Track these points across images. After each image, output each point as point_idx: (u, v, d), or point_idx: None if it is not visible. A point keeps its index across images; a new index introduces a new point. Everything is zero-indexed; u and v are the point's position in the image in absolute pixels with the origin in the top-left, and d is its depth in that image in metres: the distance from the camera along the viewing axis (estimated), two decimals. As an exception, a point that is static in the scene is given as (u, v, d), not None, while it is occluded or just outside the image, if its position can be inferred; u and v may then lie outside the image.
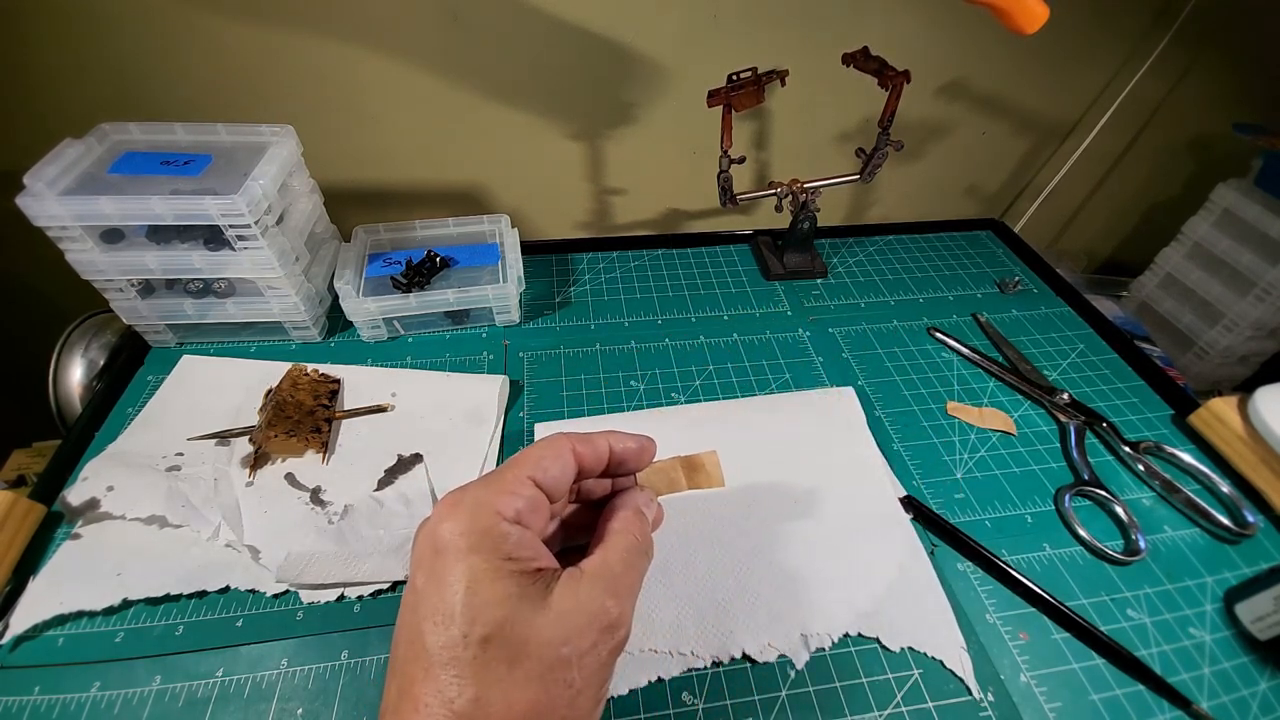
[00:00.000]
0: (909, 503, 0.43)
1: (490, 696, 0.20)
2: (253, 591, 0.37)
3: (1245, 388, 0.48)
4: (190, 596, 0.37)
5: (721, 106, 0.55)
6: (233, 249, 0.46)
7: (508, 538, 0.22)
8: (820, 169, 0.62)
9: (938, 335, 0.58)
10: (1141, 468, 0.46)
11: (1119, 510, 0.43)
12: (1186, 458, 0.46)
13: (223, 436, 0.45)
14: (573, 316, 0.59)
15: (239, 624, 0.36)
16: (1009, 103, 0.75)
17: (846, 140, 0.75)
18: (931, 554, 0.40)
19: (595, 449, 0.27)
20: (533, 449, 0.26)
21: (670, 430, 0.47)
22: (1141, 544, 0.41)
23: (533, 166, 0.71)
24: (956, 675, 0.35)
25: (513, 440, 0.47)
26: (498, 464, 0.45)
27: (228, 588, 0.37)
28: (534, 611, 0.21)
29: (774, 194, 0.61)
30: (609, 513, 0.27)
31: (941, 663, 0.35)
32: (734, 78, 0.55)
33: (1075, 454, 0.47)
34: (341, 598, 0.37)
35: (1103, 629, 0.37)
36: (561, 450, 0.26)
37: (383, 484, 0.43)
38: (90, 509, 0.40)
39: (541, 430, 0.47)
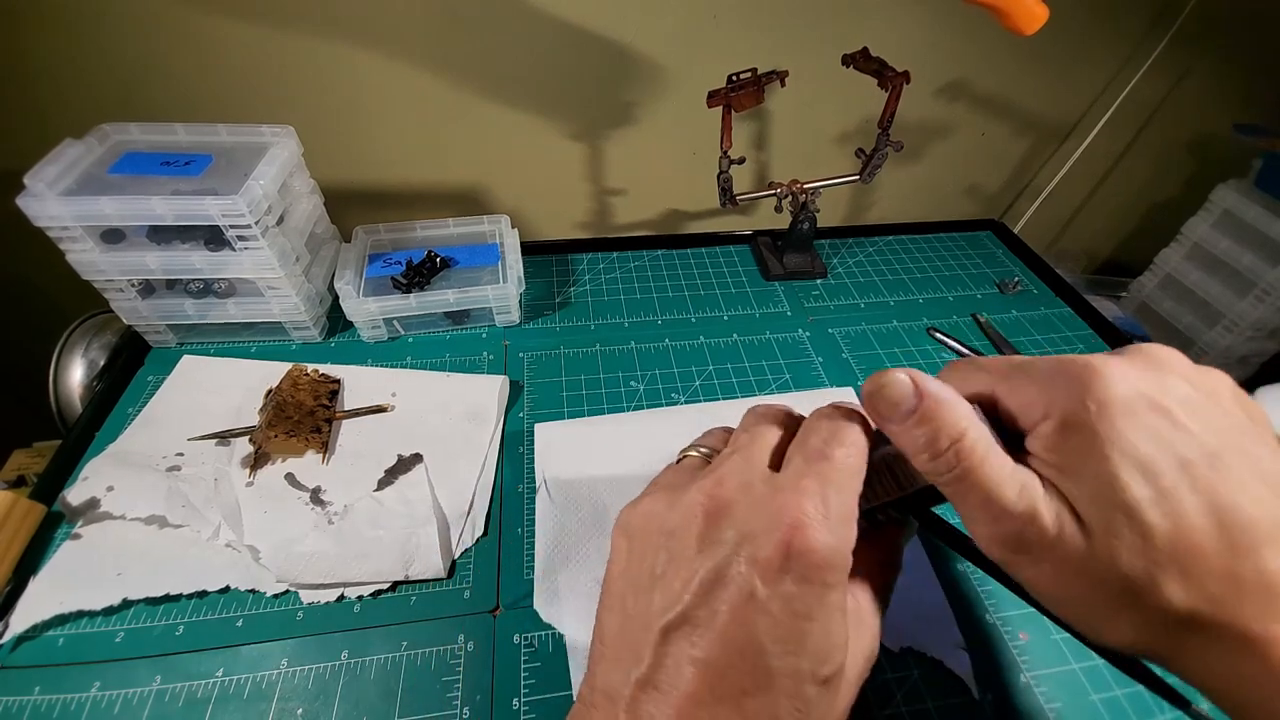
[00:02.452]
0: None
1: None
2: (253, 591, 0.37)
3: (1245, 388, 0.48)
4: (190, 596, 0.37)
5: (721, 107, 0.55)
6: (233, 249, 0.47)
7: (848, 568, 0.21)
8: (820, 169, 0.62)
9: (938, 336, 0.58)
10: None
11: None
12: (1186, 458, 0.46)
13: (223, 436, 0.45)
14: (573, 316, 0.59)
15: (239, 624, 0.36)
16: (1009, 103, 0.75)
17: (846, 140, 0.75)
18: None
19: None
20: (843, 457, 0.22)
21: (670, 431, 0.47)
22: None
23: (533, 166, 0.71)
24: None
25: (513, 440, 0.47)
26: (498, 464, 0.45)
27: (228, 588, 0.37)
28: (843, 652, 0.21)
29: (774, 194, 0.61)
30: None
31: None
32: (734, 78, 0.55)
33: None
34: (341, 598, 0.37)
35: (1103, 629, 0.37)
36: (855, 443, 0.23)
37: (383, 484, 0.43)
38: (90, 509, 0.40)
39: (541, 430, 0.47)
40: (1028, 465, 0.20)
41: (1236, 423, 0.20)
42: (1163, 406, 0.19)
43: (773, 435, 0.24)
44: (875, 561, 0.24)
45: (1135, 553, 0.18)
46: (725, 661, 0.19)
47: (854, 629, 0.22)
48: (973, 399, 0.22)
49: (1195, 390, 0.20)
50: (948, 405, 0.20)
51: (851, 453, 0.22)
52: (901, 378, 0.21)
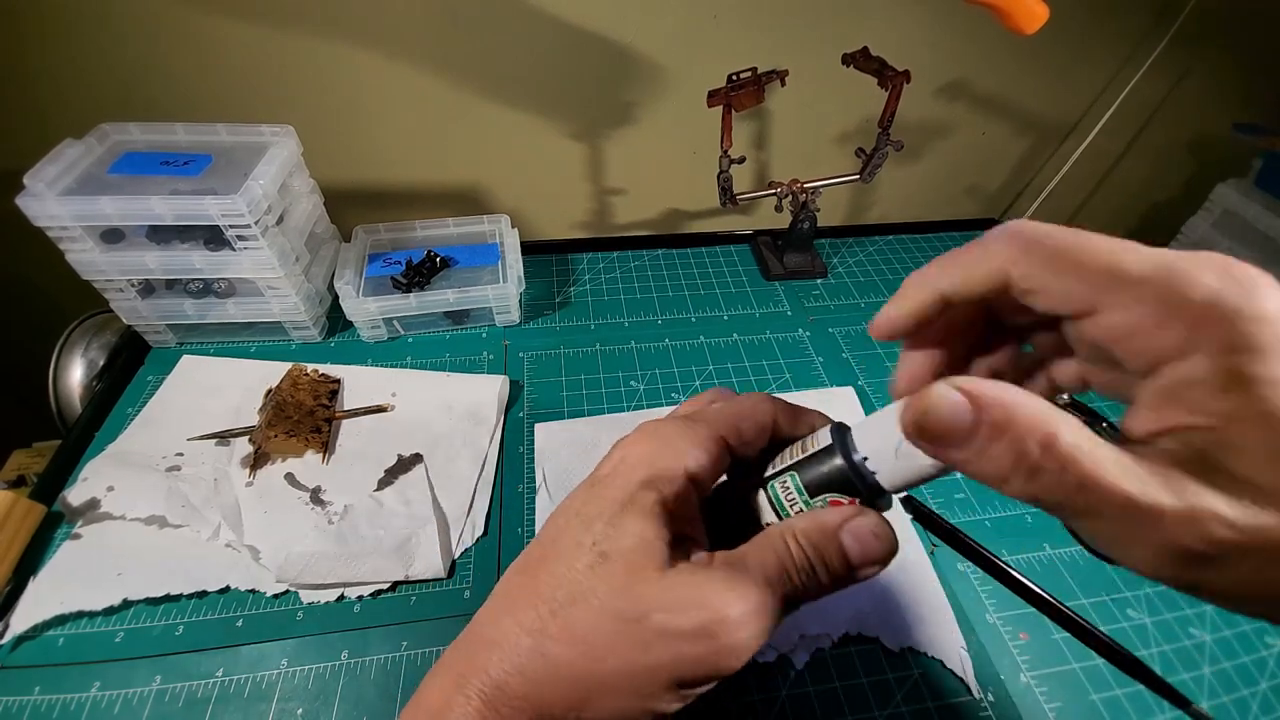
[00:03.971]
0: (909, 503, 0.43)
1: (576, 611, 0.20)
2: (253, 591, 0.37)
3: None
4: (190, 596, 0.37)
5: (721, 106, 0.55)
6: (233, 249, 0.46)
7: (673, 485, 0.21)
8: (820, 169, 0.62)
9: (938, 335, 0.58)
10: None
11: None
12: (1186, 458, 0.46)
13: (223, 436, 0.45)
14: (573, 316, 0.59)
15: (239, 624, 0.36)
16: (1009, 103, 0.75)
17: (846, 140, 0.75)
18: (931, 554, 0.40)
19: (797, 425, 0.23)
20: (739, 404, 0.23)
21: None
22: (1141, 544, 0.40)
23: (533, 166, 0.71)
24: (956, 675, 0.35)
25: (513, 440, 0.47)
26: (498, 464, 0.45)
27: (228, 588, 0.37)
28: (652, 566, 0.20)
29: (774, 194, 0.61)
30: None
31: (941, 663, 0.35)
32: (734, 78, 0.55)
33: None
34: (341, 598, 0.37)
35: (1103, 629, 0.37)
36: (763, 416, 0.23)
37: (383, 484, 0.43)
38: (90, 509, 0.40)
39: (541, 430, 0.47)
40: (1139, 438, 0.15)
41: None
42: None
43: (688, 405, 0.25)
44: (774, 531, 0.21)
45: None
46: (539, 541, 0.22)
47: (695, 571, 0.20)
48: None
49: None
50: (1018, 406, 0.15)
51: (729, 404, 0.23)
52: (946, 393, 0.16)
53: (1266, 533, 0.13)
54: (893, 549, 0.20)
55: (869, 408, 0.50)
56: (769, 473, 0.22)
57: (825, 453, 0.20)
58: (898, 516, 0.42)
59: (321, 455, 0.44)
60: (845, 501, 0.20)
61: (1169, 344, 0.15)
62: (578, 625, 0.19)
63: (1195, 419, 0.15)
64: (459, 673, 0.21)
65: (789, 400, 0.24)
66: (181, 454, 0.44)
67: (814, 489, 0.20)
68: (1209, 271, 0.15)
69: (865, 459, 0.19)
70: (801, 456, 0.21)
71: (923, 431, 0.17)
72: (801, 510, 0.21)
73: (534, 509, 0.42)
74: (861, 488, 0.20)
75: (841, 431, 0.20)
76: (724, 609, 0.19)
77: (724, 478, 0.23)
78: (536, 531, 0.40)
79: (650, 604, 0.19)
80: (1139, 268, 0.15)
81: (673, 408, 0.44)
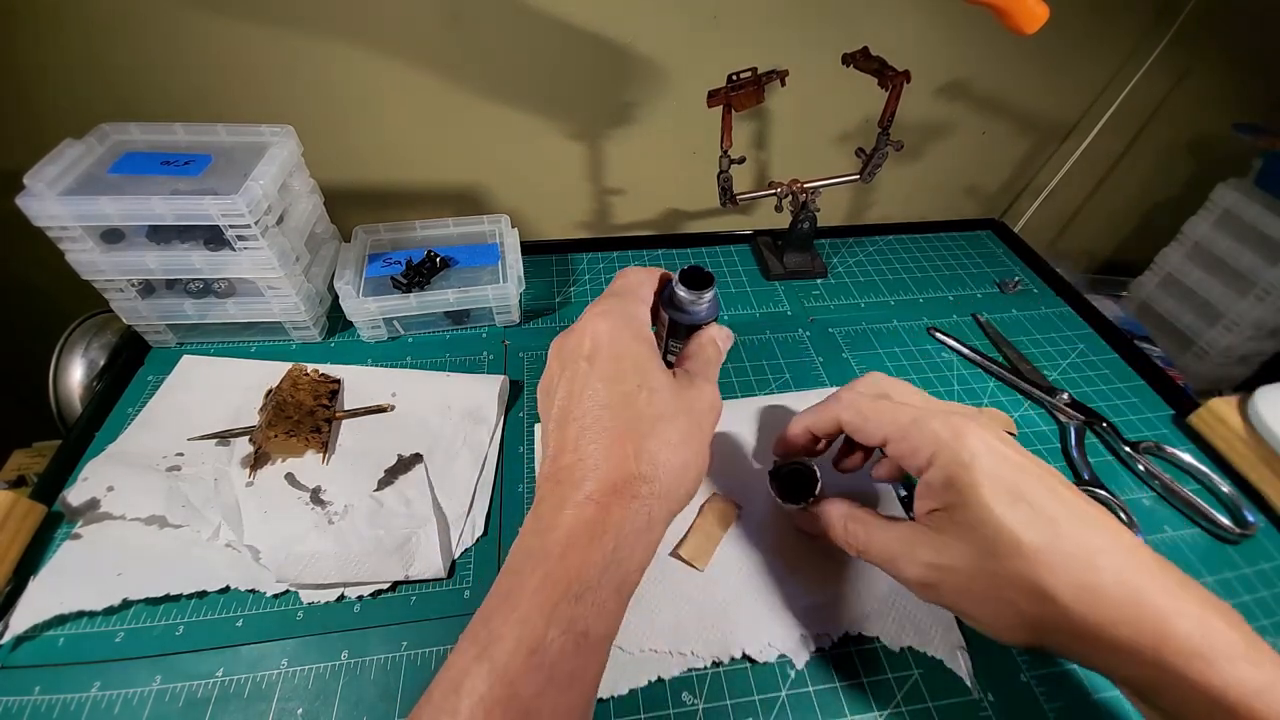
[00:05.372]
0: (907, 504, 0.43)
1: (657, 424, 0.28)
2: (253, 591, 0.37)
3: (1245, 388, 0.48)
4: (190, 596, 0.37)
5: (721, 106, 0.55)
6: (233, 249, 0.46)
7: (651, 339, 0.31)
8: (820, 169, 0.62)
9: (938, 335, 0.58)
10: (1141, 468, 0.46)
11: (1119, 510, 0.43)
12: (1186, 458, 0.46)
13: (223, 436, 0.45)
14: (573, 316, 0.59)
15: (239, 624, 0.36)
16: (1009, 103, 0.75)
17: (846, 140, 0.75)
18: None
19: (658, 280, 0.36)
20: (630, 276, 0.34)
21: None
22: (1141, 544, 0.41)
23: (533, 166, 0.71)
24: (956, 675, 0.35)
25: (513, 440, 0.47)
26: (498, 464, 0.45)
27: (228, 588, 0.37)
28: (676, 384, 0.30)
29: (774, 194, 0.61)
30: (692, 338, 0.34)
31: (941, 663, 0.35)
32: (734, 78, 0.55)
33: (1075, 454, 0.47)
34: (341, 598, 0.37)
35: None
36: (649, 274, 0.35)
37: (383, 484, 0.43)
38: (90, 509, 0.40)
39: (541, 431, 0.47)
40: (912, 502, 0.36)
41: (1037, 461, 0.28)
42: (1010, 453, 0.28)
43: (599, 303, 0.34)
44: (693, 347, 0.34)
45: (1015, 562, 0.25)
46: (587, 411, 0.28)
47: (682, 379, 0.32)
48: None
49: (1008, 441, 0.29)
50: (827, 510, 0.34)
51: (628, 276, 0.34)
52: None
53: (951, 565, 0.27)
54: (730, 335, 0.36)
55: (869, 408, 0.50)
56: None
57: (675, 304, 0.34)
58: (896, 516, 0.42)
59: (321, 455, 0.44)
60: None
61: (922, 462, 0.29)
62: (664, 429, 0.28)
63: (935, 503, 0.29)
64: (615, 489, 0.27)
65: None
66: (181, 454, 0.44)
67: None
68: (938, 420, 0.29)
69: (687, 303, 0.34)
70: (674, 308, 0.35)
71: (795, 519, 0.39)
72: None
73: (534, 509, 0.42)
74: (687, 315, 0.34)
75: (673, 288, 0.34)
76: (713, 396, 0.32)
77: None
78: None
79: (690, 405, 0.30)
80: (902, 420, 0.30)
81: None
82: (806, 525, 0.37)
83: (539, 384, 0.33)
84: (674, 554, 0.39)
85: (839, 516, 0.33)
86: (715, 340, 0.34)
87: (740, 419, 0.48)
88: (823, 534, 0.34)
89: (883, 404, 0.32)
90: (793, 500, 0.37)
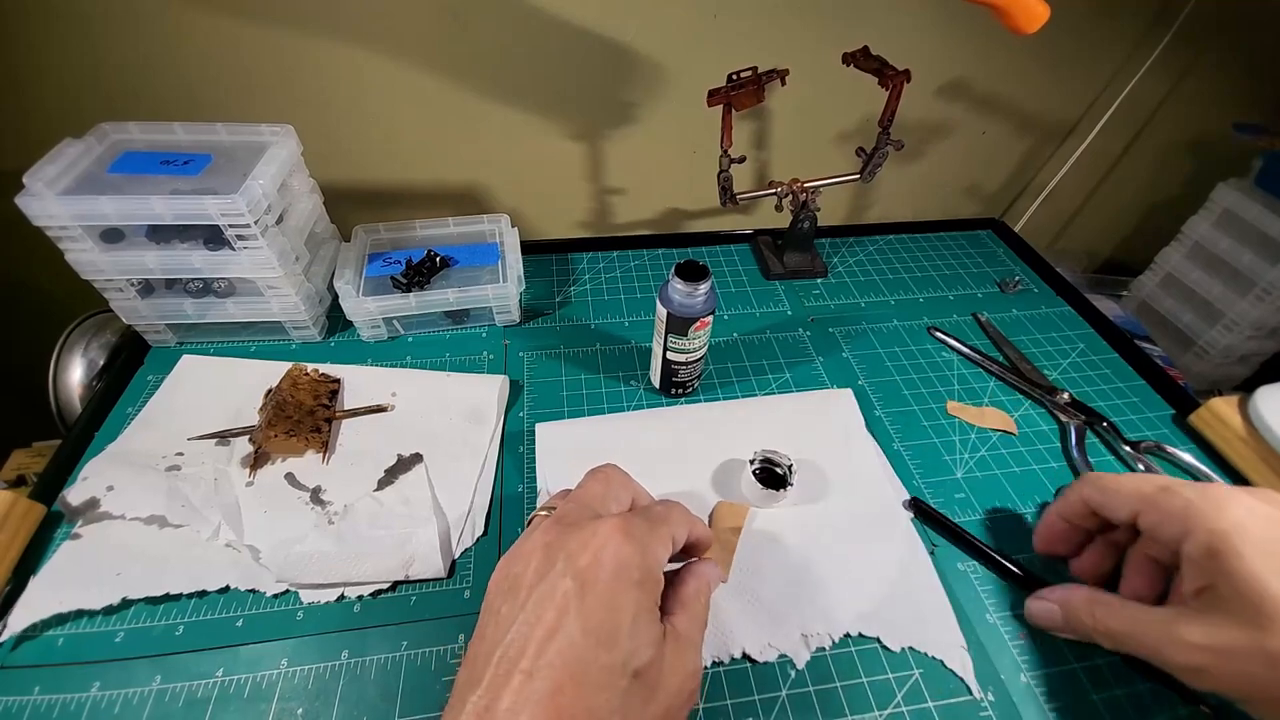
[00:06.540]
0: (914, 504, 0.43)
1: None
2: (253, 591, 0.37)
3: (1245, 388, 0.48)
4: (190, 596, 0.37)
5: (721, 106, 0.55)
6: (233, 249, 0.46)
7: (659, 585, 0.25)
8: (820, 169, 0.62)
9: (938, 335, 0.58)
10: (1142, 467, 0.46)
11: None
12: (1187, 457, 0.46)
13: (223, 436, 0.45)
14: (573, 316, 0.59)
15: (239, 624, 0.36)
16: (1009, 103, 0.75)
17: (846, 140, 0.75)
18: (932, 553, 0.40)
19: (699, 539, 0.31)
20: (674, 511, 0.29)
21: (670, 432, 0.47)
22: (1142, 544, 0.41)
23: (533, 166, 0.71)
24: (956, 675, 0.35)
25: (513, 440, 0.47)
26: (498, 464, 0.45)
27: (228, 588, 0.37)
28: (663, 660, 0.24)
29: (774, 194, 0.61)
30: (686, 576, 0.29)
31: (941, 663, 0.35)
32: (734, 77, 0.55)
33: (1075, 454, 0.47)
34: (341, 598, 0.37)
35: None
36: (691, 521, 0.30)
37: (383, 484, 0.43)
38: (90, 509, 0.40)
39: (542, 430, 0.47)
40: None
41: None
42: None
43: (602, 486, 0.29)
44: (688, 593, 0.28)
45: None
46: (554, 667, 0.22)
47: (671, 644, 0.25)
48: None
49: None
50: (1069, 599, 0.32)
51: (671, 509, 0.28)
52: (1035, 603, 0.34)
53: (1225, 646, 0.24)
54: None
55: (869, 408, 0.50)
56: None
57: None
58: (897, 517, 0.42)
59: (321, 455, 0.44)
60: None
61: (1176, 531, 0.27)
62: None
63: (1200, 580, 0.26)
64: None
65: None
66: (181, 454, 0.44)
67: None
68: (1190, 488, 0.27)
69: None
70: None
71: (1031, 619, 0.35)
72: None
73: (534, 509, 0.42)
74: None
75: None
76: (695, 665, 0.26)
77: None
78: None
79: (668, 693, 0.24)
80: (1149, 490, 0.29)
81: (672, 407, 0.44)
82: (1044, 618, 0.34)
83: (508, 554, 0.27)
84: None
85: (1083, 603, 0.30)
86: (708, 588, 0.30)
87: (740, 419, 0.48)
88: (1063, 626, 0.32)
89: (1127, 476, 0.31)
90: (771, 488, 0.41)
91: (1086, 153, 0.78)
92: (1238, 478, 0.45)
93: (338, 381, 0.50)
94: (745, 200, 0.60)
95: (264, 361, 0.51)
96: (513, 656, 0.22)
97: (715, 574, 0.31)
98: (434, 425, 0.47)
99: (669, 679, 0.24)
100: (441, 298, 0.52)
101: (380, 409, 0.48)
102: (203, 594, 0.37)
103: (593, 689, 0.22)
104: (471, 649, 0.25)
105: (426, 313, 0.54)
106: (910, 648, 0.36)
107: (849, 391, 0.51)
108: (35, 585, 0.36)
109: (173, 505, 0.40)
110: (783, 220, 0.65)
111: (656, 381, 0.50)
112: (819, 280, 0.65)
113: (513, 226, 0.60)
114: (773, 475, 0.42)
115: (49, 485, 0.43)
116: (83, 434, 0.46)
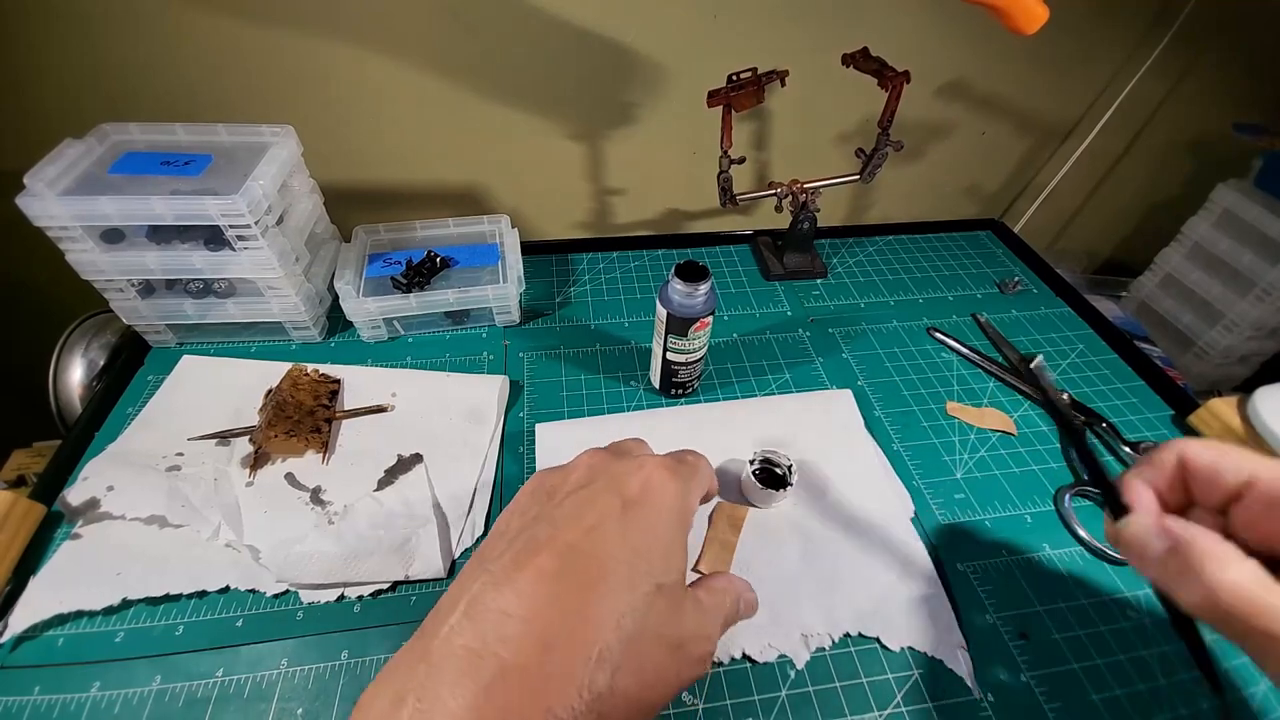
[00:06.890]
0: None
1: (641, 644, 0.22)
2: (253, 591, 0.37)
3: (1245, 388, 0.48)
4: (190, 596, 0.37)
5: (721, 106, 0.55)
6: (233, 249, 0.46)
7: (690, 528, 0.26)
8: (820, 169, 0.62)
9: (938, 335, 0.58)
10: (1141, 468, 0.46)
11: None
12: (1186, 458, 0.46)
13: (223, 436, 0.45)
14: (573, 316, 0.59)
15: (239, 624, 0.36)
16: (1009, 103, 0.75)
17: (846, 140, 0.75)
18: (932, 554, 0.40)
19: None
20: (703, 462, 0.29)
21: (670, 432, 0.47)
22: (1141, 544, 0.40)
23: (533, 166, 0.71)
24: (957, 675, 0.35)
25: (513, 440, 0.47)
26: (498, 464, 0.45)
27: (228, 588, 0.37)
28: (686, 599, 0.24)
29: (774, 194, 0.61)
30: (719, 577, 0.29)
31: (942, 663, 0.35)
32: (734, 78, 0.55)
33: (1075, 454, 0.47)
34: (341, 598, 0.37)
35: (1103, 629, 0.37)
36: (712, 476, 0.30)
37: (383, 484, 0.43)
38: (90, 509, 0.40)
39: (542, 430, 0.47)
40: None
41: None
42: None
43: (635, 442, 0.30)
44: (717, 584, 0.28)
45: None
46: (584, 553, 0.22)
47: (692, 603, 0.25)
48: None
49: None
50: (1194, 535, 0.23)
51: (700, 459, 0.29)
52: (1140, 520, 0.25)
53: (711, 615, 0.25)
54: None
55: (869, 408, 0.50)
56: None
57: None
58: (897, 517, 0.42)
59: (321, 455, 0.44)
60: None
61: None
62: (644, 658, 0.22)
63: None
64: (519, 715, 0.19)
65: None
66: (181, 454, 0.44)
67: None
68: None
69: None
70: None
71: (1118, 539, 0.26)
72: None
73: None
74: None
75: None
76: (714, 639, 0.25)
77: None
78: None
79: (685, 633, 0.23)
80: (1266, 460, 0.25)
81: (672, 407, 0.45)
82: (1142, 547, 0.25)
83: (546, 470, 0.27)
84: (695, 569, 0.39)
85: (1216, 556, 0.22)
86: (742, 601, 0.28)
87: (740, 420, 0.48)
88: (1159, 567, 0.24)
89: (1231, 445, 0.26)
90: (771, 488, 0.41)
91: (1086, 153, 0.78)
92: (1237, 478, 0.45)
93: (338, 382, 0.50)
94: (745, 201, 0.60)
95: (264, 362, 0.51)
96: (542, 539, 0.23)
97: (748, 597, 0.29)
98: (434, 425, 0.47)
99: (688, 621, 0.24)
100: (442, 298, 0.52)
101: (380, 409, 0.48)
102: (203, 594, 0.37)
103: (619, 584, 0.22)
104: (486, 543, 0.25)
105: (427, 313, 0.54)
106: (910, 648, 0.36)
107: (849, 392, 0.51)
108: (35, 585, 0.36)
109: (173, 505, 0.40)
110: (783, 221, 0.65)
111: (656, 382, 0.50)
112: (819, 281, 0.65)
113: (513, 227, 0.60)
114: (773, 475, 0.42)
115: (49, 485, 0.43)
116: (83, 434, 0.46)
